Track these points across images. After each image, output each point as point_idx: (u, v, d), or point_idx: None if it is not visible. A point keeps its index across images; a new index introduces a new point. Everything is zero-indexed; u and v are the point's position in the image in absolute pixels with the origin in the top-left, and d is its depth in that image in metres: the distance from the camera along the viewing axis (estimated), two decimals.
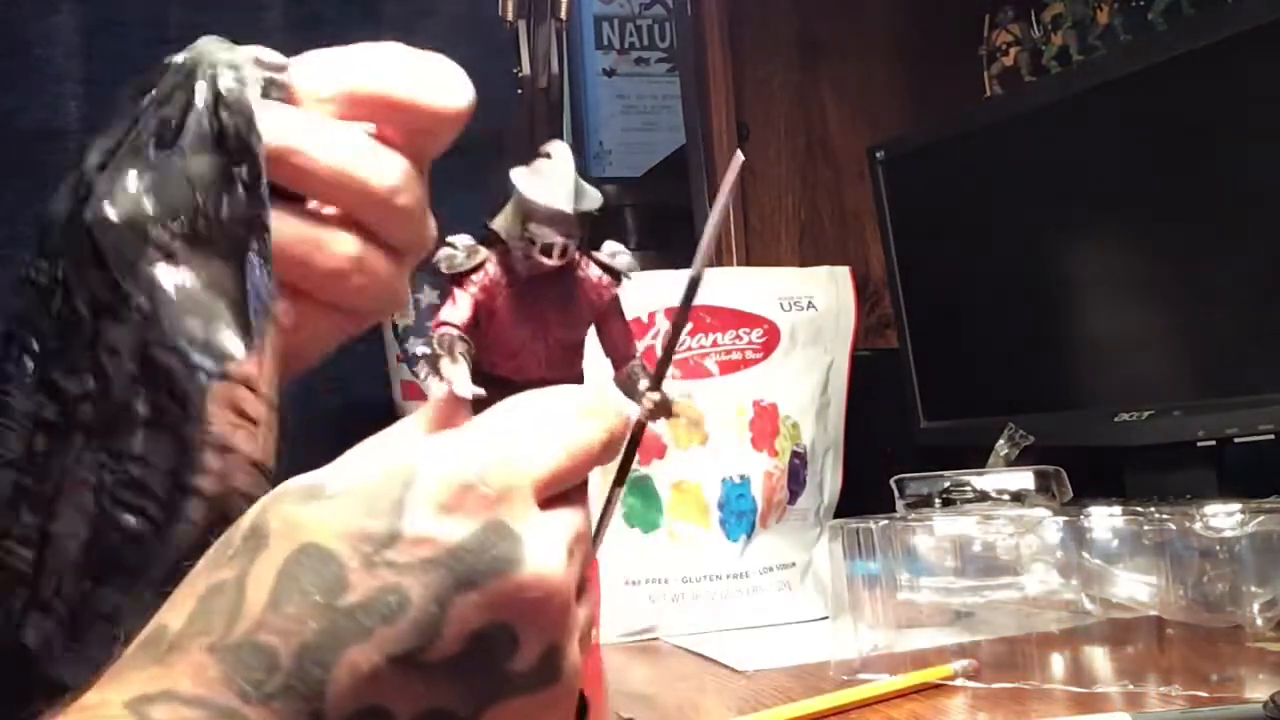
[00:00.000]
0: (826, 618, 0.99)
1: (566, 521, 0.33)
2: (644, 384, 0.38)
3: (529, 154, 0.39)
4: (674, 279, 1.06)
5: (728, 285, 1.08)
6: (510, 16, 1.61)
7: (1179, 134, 0.95)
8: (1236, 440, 0.90)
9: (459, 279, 0.37)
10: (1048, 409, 1.06)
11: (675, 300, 1.09)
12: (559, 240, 0.36)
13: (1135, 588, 0.66)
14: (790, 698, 0.68)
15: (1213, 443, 0.91)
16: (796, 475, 1.06)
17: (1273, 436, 0.87)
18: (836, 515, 1.06)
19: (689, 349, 1.04)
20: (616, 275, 0.39)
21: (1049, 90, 1.10)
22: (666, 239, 1.56)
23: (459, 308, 0.37)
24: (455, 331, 0.36)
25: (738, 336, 1.05)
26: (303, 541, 0.29)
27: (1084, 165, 1.03)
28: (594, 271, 0.39)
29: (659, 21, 2.19)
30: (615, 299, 0.39)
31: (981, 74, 1.34)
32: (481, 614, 0.30)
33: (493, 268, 0.38)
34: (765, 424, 1.04)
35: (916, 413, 1.20)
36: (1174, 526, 0.65)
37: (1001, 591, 0.71)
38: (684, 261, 1.32)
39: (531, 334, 0.37)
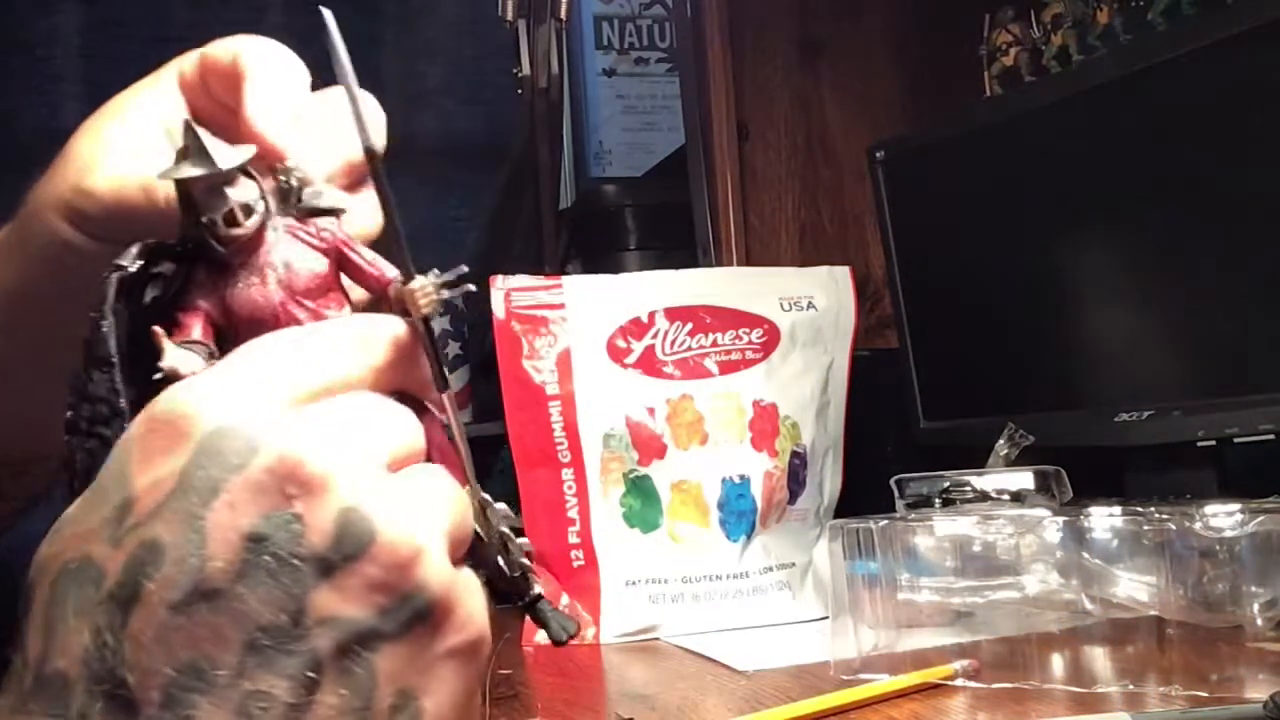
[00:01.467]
0: (826, 618, 0.99)
1: (332, 408, 0.31)
2: (406, 283, 0.35)
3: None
4: (668, 277, 1.06)
5: (728, 285, 1.08)
6: (510, 16, 1.61)
7: (1179, 134, 0.95)
8: (1236, 440, 0.90)
9: (178, 306, 0.34)
10: (1048, 409, 1.06)
11: (673, 299, 1.09)
12: (234, 203, 0.33)
13: (1135, 588, 0.66)
14: (790, 698, 0.68)
15: (1213, 443, 0.91)
16: (796, 475, 1.06)
17: (1273, 436, 0.87)
18: (836, 515, 1.07)
19: (689, 349, 1.04)
20: (329, 212, 0.36)
21: (1049, 90, 1.10)
22: (666, 239, 1.56)
23: (193, 332, 0.34)
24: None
25: (738, 336, 1.05)
26: (58, 568, 0.28)
27: (1084, 165, 1.03)
28: (305, 227, 0.35)
29: (659, 21, 2.19)
30: (342, 238, 0.36)
31: (981, 74, 1.34)
32: (242, 513, 0.28)
33: (199, 274, 0.34)
34: (765, 424, 1.04)
35: (916, 413, 1.20)
36: (1174, 526, 0.65)
37: (1001, 591, 0.71)
38: (684, 261, 1.31)
39: (276, 312, 0.34)
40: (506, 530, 0.35)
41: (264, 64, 0.39)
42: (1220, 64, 0.90)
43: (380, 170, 0.35)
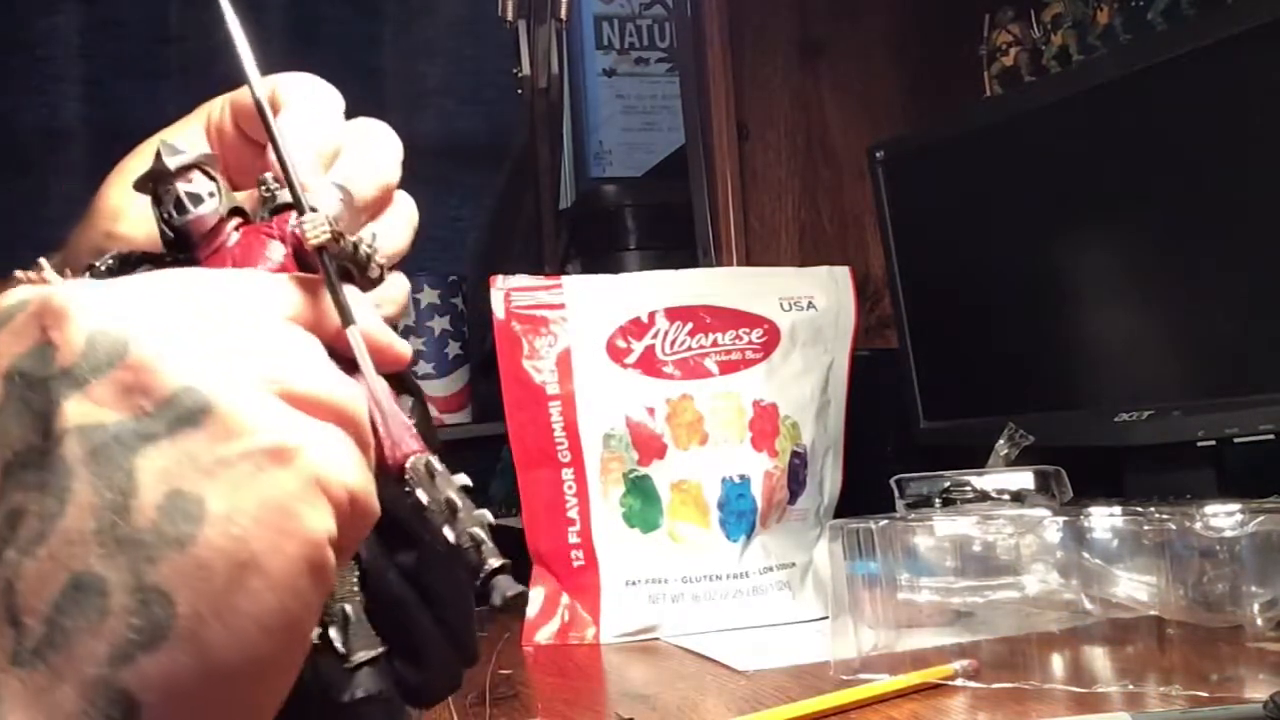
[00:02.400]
0: (826, 618, 0.99)
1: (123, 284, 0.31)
2: (295, 219, 0.35)
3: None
4: (668, 277, 1.06)
5: (728, 285, 1.08)
6: (510, 16, 1.61)
7: (1179, 134, 0.95)
8: (1236, 440, 0.90)
9: None
10: (1048, 409, 1.06)
11: (673, 299, 1.08)
12: (181, 192, 0.35)
13: (1135, 588, 0.66)
14: (790, 698, 0.68)
15: (1213, 443, 0.91)
16: (796, 475, 1.06)
17: (1273, 436, 0.87)
18: (836, 515, 1.06)
19: (689, 349, 1.04)
20: (288, 207, 0.36)
21: (1049, 90, 1.10)
22: (666, 239, 1.56)
23: None
24: None
25: (738, 336, 1.05)
26: None
27: (1084, 165, 1.03)
28: (267, 223, 0.36)
29: (659, 21, 2.19)
30: (298, 228, 0.36)
31: (981, 74, 1.34)
32: (3, 358, 0.28)
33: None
34: (765, 424, 1.04)
35: (916, 413, 1.20)
36: (1174, 526, 0.65)
37: (1001, 591, 0.71)
38: (684, 261, 1.31)
39: None
40: (455, 497, 0.33)
41: (295, 97, 0.39)
42: (1220, 64, 0.90)
43: (268, 117, 0.36)
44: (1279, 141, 0.88)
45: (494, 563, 0.33)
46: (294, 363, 0.30)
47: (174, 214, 0.35)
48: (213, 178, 0.36)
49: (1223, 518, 0.63)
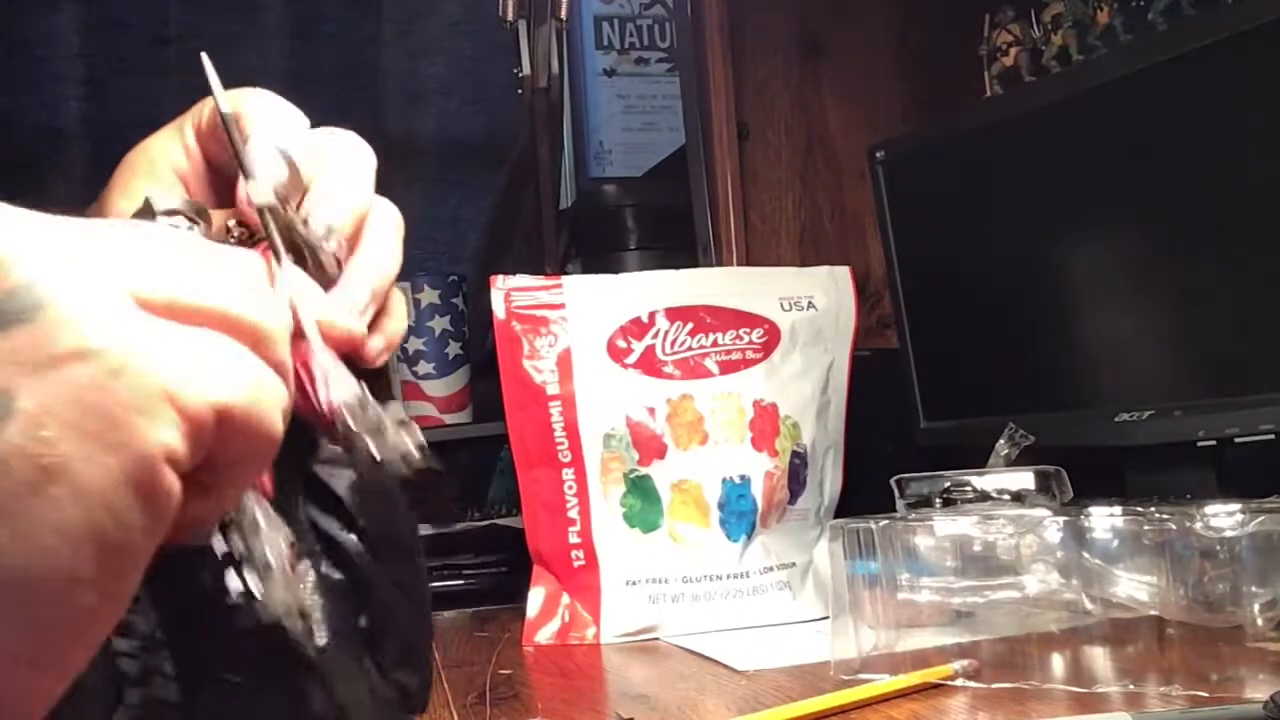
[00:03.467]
0: (826, 618, 0.99)
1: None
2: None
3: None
4: (668, 277, 1.06)
5: (728, 285, 1.08)
6: (510, 16, 1.61)
7: (1179, 134, 0.95)
8: (1236, 440, 0.90)
9: None
10: (1048, 409, 1.06)
11: (673, 299, 1.08)
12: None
13: (1135, 588, 0.66)
14: (790, 698, 0.68)
15: (1213, 443, 0.91)
16: (797, 475, 1.06)
17: (1273, 436, 0.87)
18: (836, 515, 1.07)
19: (689, 349, 1.04)
20: (259, 242, 0.38)
21: (1049, 90, 1.10)
22: (666, 239, 1.56)
23: None
24: None
25: (738, 336, 1.05)
26: None
27: (1084, 165, 1.03)
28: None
29: (659, 21, 2.19)
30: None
31: (981, 74, 1.34)
32: None
33: None
34: (765, 424, 1.04)
35: (916, 413, 1.20)
36: (1174, 526, 0.65)
37: (1001, 591, 0.71)
38: (684, 261, 1.30)
39: None
40: (383, 417, 0.35)
41: (259, 112, 0.39)
42: (1220, 64, 0.90)
43: (234, 132, 0.38)
44: (1279, 142, 0.88)
45: (413, 456, 0.34)
46: (172, 269, 0.29)
47: None
48: (195, 222, 0.38)
49: (1223, 518, 0.63)
